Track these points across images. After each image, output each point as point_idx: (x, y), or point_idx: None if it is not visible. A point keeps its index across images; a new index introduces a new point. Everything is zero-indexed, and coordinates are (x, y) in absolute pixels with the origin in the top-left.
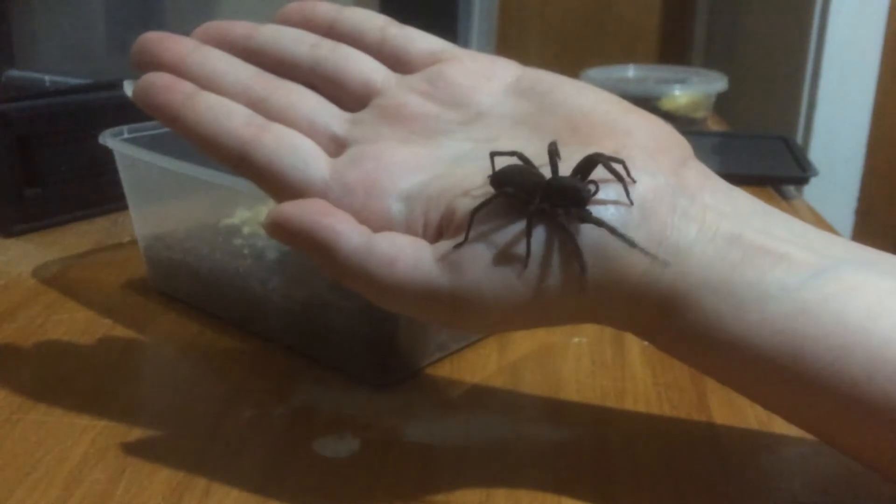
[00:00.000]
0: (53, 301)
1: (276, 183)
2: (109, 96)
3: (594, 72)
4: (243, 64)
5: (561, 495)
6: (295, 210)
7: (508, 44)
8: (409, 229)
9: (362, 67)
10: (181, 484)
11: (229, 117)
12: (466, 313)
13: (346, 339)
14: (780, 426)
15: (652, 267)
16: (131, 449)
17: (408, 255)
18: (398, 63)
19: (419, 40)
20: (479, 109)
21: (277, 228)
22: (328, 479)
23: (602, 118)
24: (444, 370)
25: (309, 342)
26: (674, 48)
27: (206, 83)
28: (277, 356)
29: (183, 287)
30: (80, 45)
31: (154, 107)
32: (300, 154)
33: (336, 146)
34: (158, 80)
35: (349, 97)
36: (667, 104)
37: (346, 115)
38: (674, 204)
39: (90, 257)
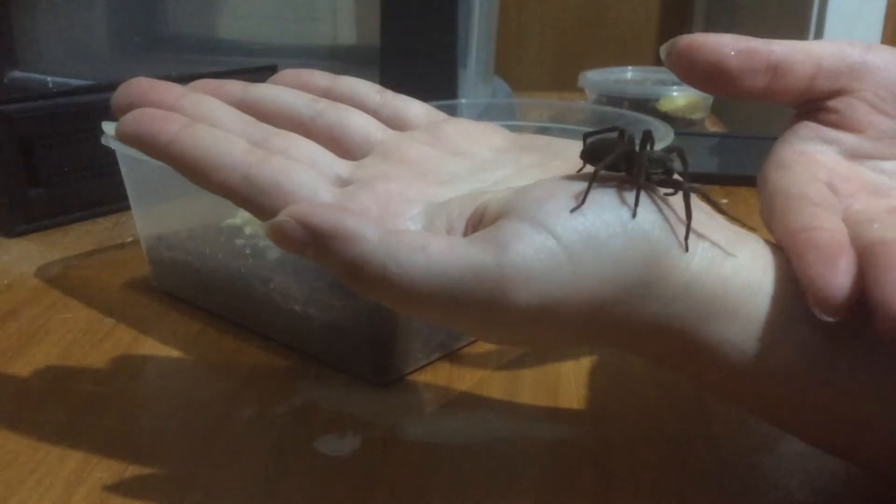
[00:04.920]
0: (56, 301)
1: (284, 206)
2: (112, 97)
3: (593, 73)
4: (239, 112)
5: (561, 495)
6: (309, 208)
7: (508, 45)
8: None
9: (363, 121)
10: (181, 484)
11: (231, 144)
12: (509, 298)
13: (347, 337)
14: None
15: (703, 264)
16: (132, 448)
17: (439, 241)
18: (396, 124)
19: (415, 105)
20: (483, 159)
21: (290, 228)
22: (329, 477)
23: None
24: (444, 369)
25: (310, 341)
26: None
27: (202, 122)
28: (279, 355)
29: (185, 287)
30: (83, 46)
31: (144, 136)
32: (308, 176)
33: (342, 185)
34: (151, 111)
35: (350, 149)
36: (665, 105)
37: (349, 161)
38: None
39: (93, 257)
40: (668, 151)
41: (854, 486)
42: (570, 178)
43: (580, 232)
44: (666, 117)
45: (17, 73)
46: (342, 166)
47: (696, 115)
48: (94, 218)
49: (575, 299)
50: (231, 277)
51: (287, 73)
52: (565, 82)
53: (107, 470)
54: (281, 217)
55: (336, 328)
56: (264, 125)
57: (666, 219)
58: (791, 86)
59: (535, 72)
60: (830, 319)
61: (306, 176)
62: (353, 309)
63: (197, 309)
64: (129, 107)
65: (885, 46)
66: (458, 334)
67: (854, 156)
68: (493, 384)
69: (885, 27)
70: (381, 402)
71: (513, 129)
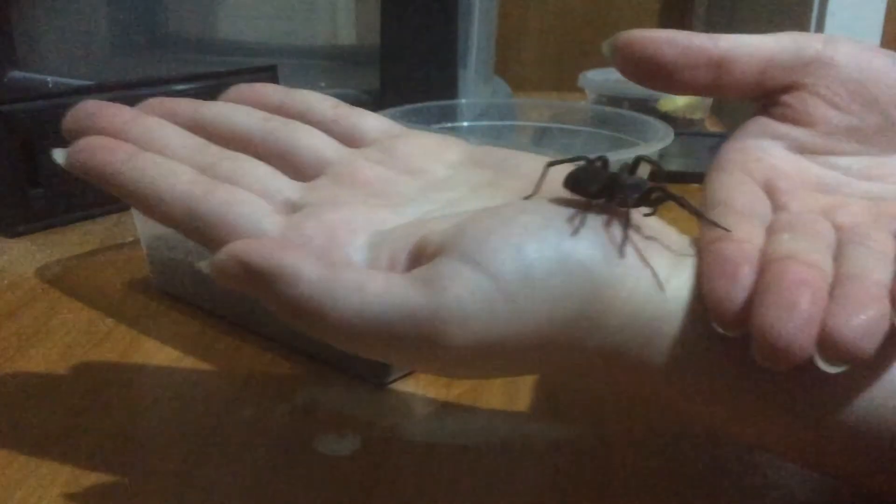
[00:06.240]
0: (56, 301)
1: (227, 238)
2: (112, 97)
3: (593, 73)
4: (189, 134)
5: (561, 495)
6: (248, 246)
7: (508, 45)
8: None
9: (314, 141)
10: (182, 483)
11: (175, 175)
12: (444, 340)
13: None
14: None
15: (647, 291)
16: (133, 448)
17: (378, 279)
18: (350, 140)
19: (371, 119)
20: (436, 177)
21: (228, 267)
22: (329, 477)
23: (557, 176)
24: None
25: (310, 341)
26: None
27: (149, 149)
28: (278, 355)
29: (185, 287)
30: (83, 46)
31: (90, 167)
32: (251, 206)
33: (290, 210)
34: (96, 141)
35: (301, 169)
36: (665, 105)
37: (300, 184)
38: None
39: (93, 257)
40: (641, 163)
41: (855, 486)
42: (515, 206)
43: (518, 272)
44: (666, 117)
45: (17, 73)
46: (292, 189)
47: (696, 115)
48: (95, 218)
49: (514, 338)
50: None
51: (241, 89)
52: (565, 82)
53: (106, 470)
54: (220, 255)
55: None
56: (214, 148)
57: (608, 250)
58: (738, 81)
59: (535, 72)
60: (728, 334)
61: (250, 207)
62: None
63: (197, 309)
64: (78, 133)
65: (846, 39)
66: None
67: (805, 151)
68: (492, 384)
69: (885, 27)
70: (381, 402)
71: (513, 129)
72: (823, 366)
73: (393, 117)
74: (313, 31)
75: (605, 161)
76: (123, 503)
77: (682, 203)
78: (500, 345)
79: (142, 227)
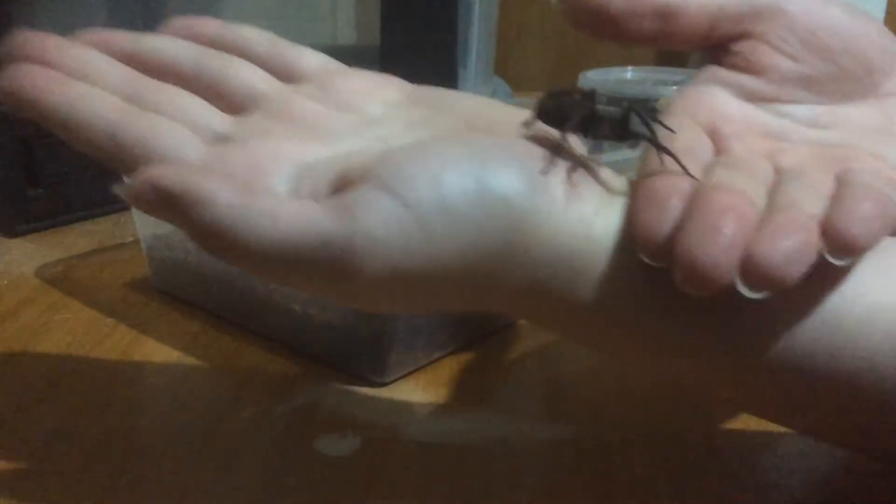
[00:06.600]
0: (56, 301)
1: (151, 164)
2: None
3: (593, 73)
4: (121, 65)
5: (560, 495)
6: (163, 171)
7: (508, 45)
8: None
9: (248, 74)
10: (181, 484)
11: (102, 100)
12: (357, 268)
13: (347, 337)
14: (778, 425)
15: (573, 227)
16: (132, 448)
17: (292, 206)
18: (287, 76)
19: (309, 55)
20: (371, 115)
21: (143, 192)
22: (329, 477)
23: (494, 114)
24: (444, 369)
25: (310, 341)
26: (671, 50)
27: (79, 78)
28: (279, 355)
29: (185, 287)
30: None
31: (15, 93)
32: (174, 134)
33: (219, 143)
34: (24, 68)
35: (234, 103)
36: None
37: (231, 117)
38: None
39: (93, 257)
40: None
41: (854, 486)
42: (443, 137)
43: (434, 201)
44: None
45: None
46: (222, 122)
47: None
48: (95, 218)
49: (430, 269)
50: (231, 277)
51: (178, 22)
52: (565, 82)
53: (106, 470)
54: (135, 179)
55: (336, 328)
56: (146, 80)
57: (534, 182)
58: (687, 30)
59: (535, 72)
60: (654, 263)
61: (175, 134)
62: (353, 309)
63: (196, 309)
64: (9, 61)
65: None
66: (458, 334)
67: (754, 98)
68: (493, 384)
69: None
70: (381, 403)
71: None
72: (745, 291)
73: None
74: (313, 31)
75: (593, 94)
76: (123, 503)
77: (656, 144)
78: (417, 276)
79: (142, 227)
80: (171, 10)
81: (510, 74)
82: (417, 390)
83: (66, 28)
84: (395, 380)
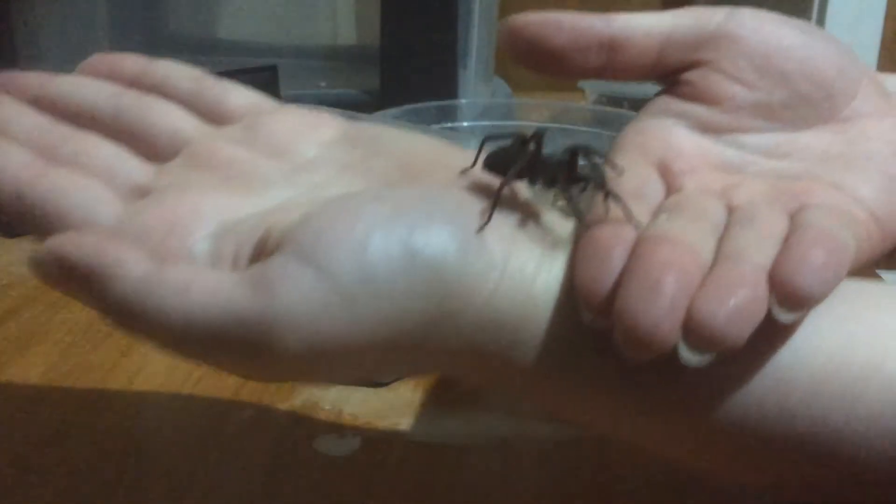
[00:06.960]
0: (56, 301)
1: (59, 229)
2: None
3: None
4: (32, 111)
5: (561, 495)
6: (67, 239)
7: None
8: (214, 267)
9: (170, 117)
10: (181, 484)
11: (8, 156)
12: (274, 347)
13: None
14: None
15: (512, 286)
16: (132, 449)
17: (206, 280)
18: (213, 117)
19: (236, 94)
20: (302, 159)
21: (46, 263)
22: (329, 477)
23: (430, 156)
24: None
25: None
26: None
27: None
28: None
29: None
30: (83, 45)
31: None
32: (86, 193)
33: (139, 196)
34: None
35: (155, 149)
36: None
37: (151, 166)
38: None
39: None
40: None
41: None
42: (369, 193)
43: (357, 271)
44: None
45: (16, 72)
46: (140, 172)
47: None
48: None
49: (356, 342)
50: None
51: (95, 60)
52: (565, 82)
53: (106, 470)
54: (39, 250)
55: None
56: (61, 128)
57: (468, 242)
58: (635, 61)
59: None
60: (595, 325)
61: (85, 194)
62: None
63: None
64: None
65: (751, 11)
66: None
67: (709, 129)
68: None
69: (885, 27)
70: (380, 403)
71: (512, 129)
72: (687, 355)
73: (393, 117)
74: (313, 31)
75: (539, 137)
76: (123, 503)
77: (602, 187)
78: (339, 348)
79: None
80: (171, 10)
81: (510, 74)
82: (417, 390)
83: (66, 28)
84: (395, 380)
